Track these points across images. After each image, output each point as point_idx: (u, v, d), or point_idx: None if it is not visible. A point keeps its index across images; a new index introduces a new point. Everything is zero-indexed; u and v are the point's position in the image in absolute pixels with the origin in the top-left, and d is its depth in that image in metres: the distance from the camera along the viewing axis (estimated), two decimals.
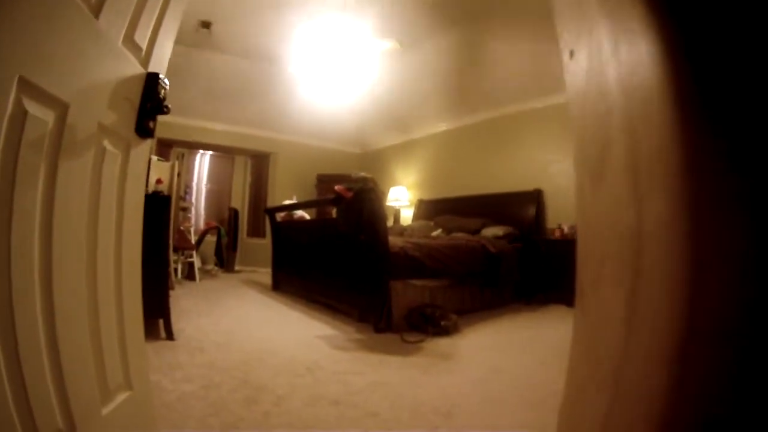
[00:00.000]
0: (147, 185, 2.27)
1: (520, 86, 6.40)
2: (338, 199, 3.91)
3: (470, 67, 6.40)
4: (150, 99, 1.34)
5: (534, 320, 4.50)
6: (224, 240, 7.90)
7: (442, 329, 3.62)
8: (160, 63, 1.42)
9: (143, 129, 1.35)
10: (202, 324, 3.58)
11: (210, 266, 7.82)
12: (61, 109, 0.95)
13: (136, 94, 1.31)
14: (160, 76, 1.38)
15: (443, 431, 1.82)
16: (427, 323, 3.67)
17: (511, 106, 6.83)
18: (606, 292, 0.70)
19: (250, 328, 3.55)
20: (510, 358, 3.05)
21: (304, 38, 5.20)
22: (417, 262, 4.07)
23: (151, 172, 3.40)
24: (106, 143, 1.19)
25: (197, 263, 6.62)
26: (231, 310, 4.31)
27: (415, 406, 2.06)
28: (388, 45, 5.08)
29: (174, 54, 1.53)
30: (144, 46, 1.33)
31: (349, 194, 3.78)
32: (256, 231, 9.00)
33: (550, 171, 6.21)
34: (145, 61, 1.35)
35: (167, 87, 1.41)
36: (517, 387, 2.42)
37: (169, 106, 1.40)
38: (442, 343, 3.36)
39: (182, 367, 2.47)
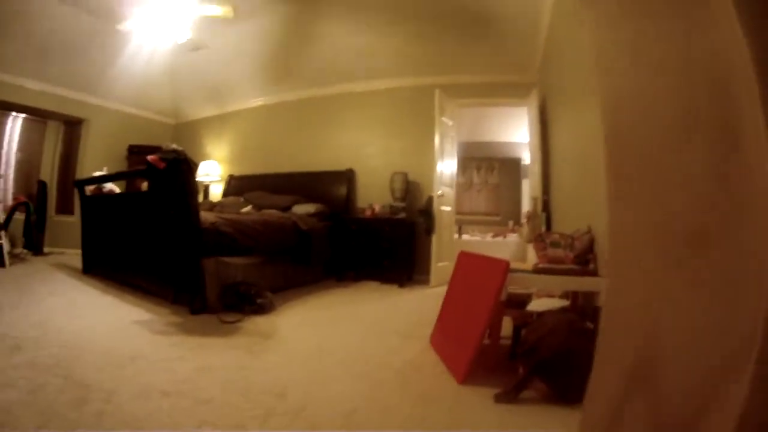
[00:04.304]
0: None
1: (341, 69, 6.50)
2: (150, 170, 3.52)
3: (296, 44, 6.28)
4: None
5: (347, 296, 4.66)
6: (33, 218, 6.63)
7: (258, 307, 3.53)
8: None
9: None
10: (15, 317, 2.96)
11: (19, 249, 6.51)
12: None
13: None
14: None
15: (280, 412, 1.77)
16: (243, 302, 3.54)
17: (330, 88, 6.88)
18: None
19: (65, 318, 3.03)
20: (330, 333, 3.10)
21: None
22: (229, 238, 3.88)
23: None
24: None
25: (6, 246, 5.46)
26: (43, 298, 3.65)
27: (247, 389, 1.96)
28: (220, 11, 4.73)
29: None
30: None
31: (162, 165, 3.43)
32: (65, 207, 7.68)
33: (363, 152, 6.44)
34: None
35: None
36: (343, 362, 2.47)
37: None
38: (261, 322, 3.28)
39: (1, 369, 2.03)
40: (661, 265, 0.98)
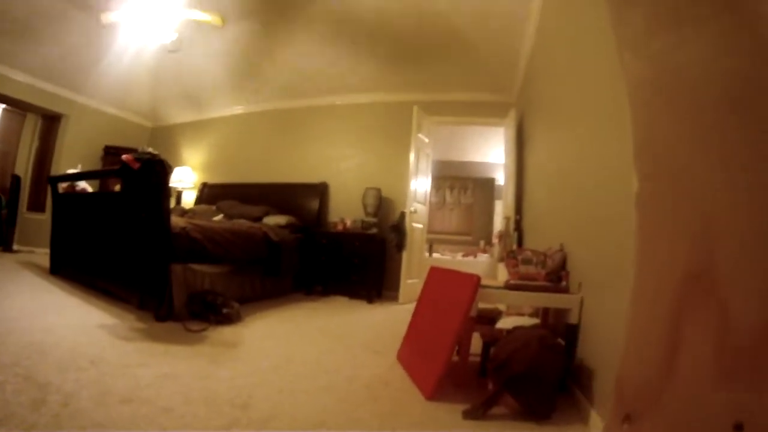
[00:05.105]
0: None
1: (320, 82, 6.50)
2: (125, 170, 3.42)
3: (276, 55, 6.24)
4: None
5: (315, 310, 4.59)
6: (4, 212, 6.38)
7: (224, 317, 3.44)
8: None
9: None
10: None
11: None
12: None
13: None
14: None
15: (244, 424, 1.71)
16: (209, 311, 3.45)
17: (308, 100, 6.89)
18: None
19: (28, 318, 2.92)
20: (297, 346, 3.04)
21: None
22: (198, 245, 3.80)
23: None
24: None
25: None
26: (9, 296, 3.56)
27: (210, 399, 1.89)
28: (209, 17, 4.73)
29: None
30: None
31: (137, 165, 3.34)
32: (36, 204, 7.44)
33: (337, 166, 6.42)
34: None
35: None
36: (309, 374, 2.42)
37: None
38: (226, 332, 3.20)
39: None
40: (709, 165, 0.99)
